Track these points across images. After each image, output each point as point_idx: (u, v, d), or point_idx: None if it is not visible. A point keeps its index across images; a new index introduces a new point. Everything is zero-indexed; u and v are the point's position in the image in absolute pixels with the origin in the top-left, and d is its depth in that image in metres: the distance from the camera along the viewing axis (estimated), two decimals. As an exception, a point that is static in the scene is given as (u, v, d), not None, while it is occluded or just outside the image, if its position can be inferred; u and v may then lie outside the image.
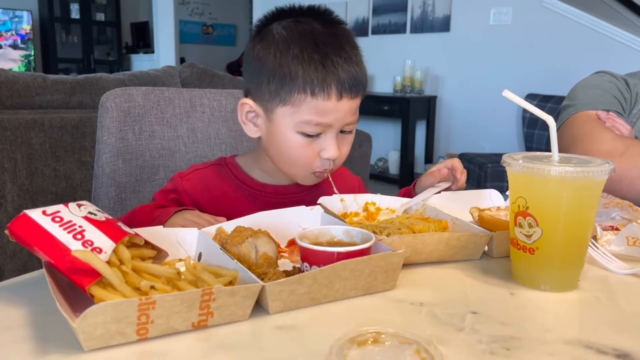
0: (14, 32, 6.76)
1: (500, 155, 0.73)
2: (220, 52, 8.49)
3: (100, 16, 7.50)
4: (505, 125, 4.44)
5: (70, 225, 0.58)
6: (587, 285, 0.70)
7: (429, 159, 4.98)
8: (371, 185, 4.62)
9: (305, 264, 0.64)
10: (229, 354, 0.51)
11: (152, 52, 7.32)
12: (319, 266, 0.60)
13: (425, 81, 4.97)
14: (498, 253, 0.78)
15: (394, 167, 5.06)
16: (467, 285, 0.69)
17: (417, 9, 4.97)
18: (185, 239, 0.73)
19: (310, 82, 0.86)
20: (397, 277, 0.66)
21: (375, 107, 4.95)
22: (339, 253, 0.62)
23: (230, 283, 0.59)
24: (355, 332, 0.48)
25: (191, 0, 8.34)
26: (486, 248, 0.79)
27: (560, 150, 0.70)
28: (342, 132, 0.92)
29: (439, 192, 0.97)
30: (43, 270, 0.59)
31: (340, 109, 0.88)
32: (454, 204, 0.94)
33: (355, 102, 0.90)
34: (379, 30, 5.28)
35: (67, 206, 0.61)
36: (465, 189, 1.03)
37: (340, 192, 0.93)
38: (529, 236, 0.67)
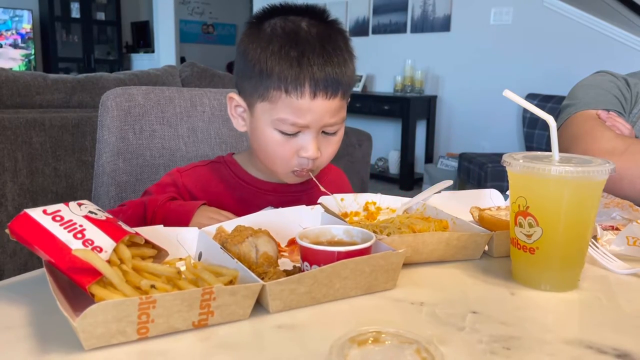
0: (14, 32, 6.76)
1: (500, 155, 0.73)
2: (220, 51, 8.49)
3: (101, 15, 7.50)
4: (506, 125, 4.44)
5: (71, 225, 0.58)
6: (587, 285, 0.70)
7: (429, 159, 4.98)
8: (371, 184, 4.63)
9: (306, 263, 0.64)
10: (229, 353, 0.51)
11: (153, 51, 7.32)
12: (319, 266, 0.60)
13: (425, 81, 4.97)
14: (498, 253, 0.78)
15: (394, 167, 5.06)
16: (468, 285, 0.69)
17: (418, 9, 4.97)
18: (186, 238, 0.73)
19: (284, 79, 0.86)
20: (398, 277, 0.66)
21: (375, 106, 4.95)
22: (339, 252, 0.62)
23: (231, 282, 0.59)
24: (356, 331, 0.48)
25: (191, 0, 8.33)
26: (486, 248, 0.79)
27: (560, 150, 0.70)
28: (325, 133, 0.91)
29: (439, 191, 0.96)
30: (43, 270, 0.59)
31: (315, 108, 0.87)
32: (454, 204, 0.94)
33: (334, 103, 0.88)
34: (380, 29, 5.28)
35: (67, 205, 0.61)
36: (466, 188, 1.03)
37: (332, 192, 0.92)
38: (529, 236, 0.67)
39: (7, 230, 0.58)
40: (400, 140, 4.85)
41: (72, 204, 0.62)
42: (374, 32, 5.32)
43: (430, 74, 4.97)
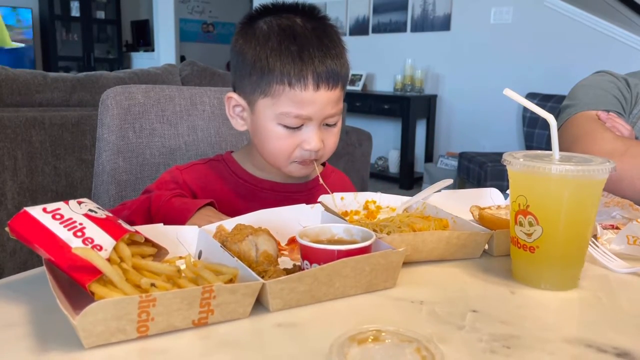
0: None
1: (500, 154, 0.73)
2: (220, 50, 8.48)
3: (101, 14, 7.50)
4: (506, 124, 4.44)
5: (71, 223, 0.58)
6: (587, 284, 0.70)
7: (429, 158, 4.98)
8: (371, 183, 4.63)
9: (306, 262, 0.64)
10: (230, 351, 0.51)
11: (153, 50, 7.32)
12: (320, 264, 0.60)
13: (425, 80, 4.97)
14: (498, 252, 0.78)
15: (394, 166, 5.06)
16: (468, 283, 0.69)
17: (418, 8, 4.97)
18: (186, 237, 0.73)
19: (287, 74, 0.88)
20: (398, 276, 0.66)
21: (375, 106, 4.95)
22: (339, 251, 0.62)
23: (231, 281, 0.59)
24: (356, 330, 0.48)
25: (191, -1, 8.34)
26: (486, 247, 0.79)
27: (560, 151, 0.70)
28: (326, 124, 0.93)
29: (439, 190, 0.96)
30: (43, 268, 0.59)
31: (318, 100, 0.89)
32: (454, 203, 0.94)
33: (335, 94, 0.91)
34: (380, 29, 5.28)
35: (67, 203, 0.61)
36: (465, 187, 1.03)
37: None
38: (529, 235, 0.67)
39: (7, 229, 0.58)
40: (400, 140, 4.85)
41: (72, 202, 0.62)
42: (374, 31, 5.32)
43: (430, 73, 4.97)
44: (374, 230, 0.76)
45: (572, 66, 3.92)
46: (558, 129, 0.71)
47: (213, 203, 0.89)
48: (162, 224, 0.73)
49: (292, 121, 0.90)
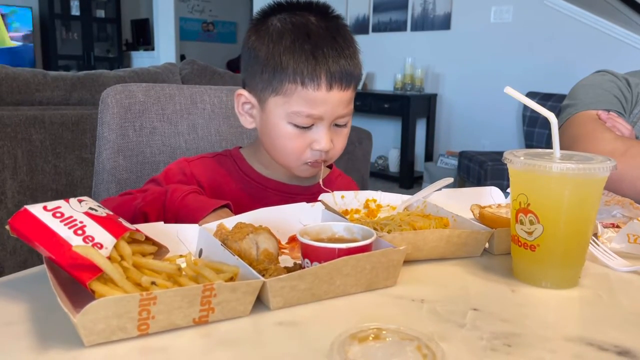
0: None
1: (500, 153, 0.73)
2: (220, 49, 8.48)
3: (101, 13, 7.49)
4: (506, 124, 4.44)
5: (71, 221, 0.58)
6: (588, 283, 0.70)
7: (429, 157, 4.98)
8: (371, 183, 4.63)
9: (306, 260, 0.64)
10: (230, 350, 0.51)
11: (153, 49, 7.31)
12: (320, 262, 0.60)
13: (425, 79, 4.97)
14: (499, 250, 0.78)
15: (394, 165, 5.06)
16: (468, 282, 0.69)
17: (418, 7, 4.97)
18: (186, 235, 0.73)
19: (301, 73, 0.87)
20: (398, 274, 0.66)
21: (375, 104, 4.95)
22: (340, 249, 0.62)
23: (231, 279, 0.59)
24: (357, 328, 0.48)
25: (191, -2, 8.33)
26: (487, 245, 0.79)
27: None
28: (336, 125, 0.93)
29: (440, 189, 0.96)
30: (43, 266, 0.59)
31: (331, 100, 0.88)
32: (455, 201, 0.94)
33: (347, 94, 0.91)
34: (380, 27, 5.27)
35: (68, 202, 0.61)
36: (465, 187, 1.03)
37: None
38: (530, 233, 0.67)
39: (7, 227, 0.58)
40: (400, 139, 4.85)
41: (73, 200, 0.62)
42: (374, 30, 5.32)
43: (430, 72, 4.97)
44: (375, 229, 0.76)
45: (572, 65, 3.92)
46: (558, 128, 0.71)
47: (229, 205, 0.87)
48: (162, 222, 0.73)
49: (303, 120, 0.89)
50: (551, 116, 0.70)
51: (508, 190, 0.77)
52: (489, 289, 0.67)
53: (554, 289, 0.67)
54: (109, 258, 0.56)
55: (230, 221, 0.75)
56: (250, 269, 0.59)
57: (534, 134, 4.08)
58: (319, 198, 0.88)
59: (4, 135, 1.96)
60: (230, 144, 1.28)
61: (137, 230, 0.63)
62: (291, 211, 0.82)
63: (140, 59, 7.60)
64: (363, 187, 2.43)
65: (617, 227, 0.85)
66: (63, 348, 0.49)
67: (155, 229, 0.70)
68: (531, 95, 4.00)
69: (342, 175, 1.11)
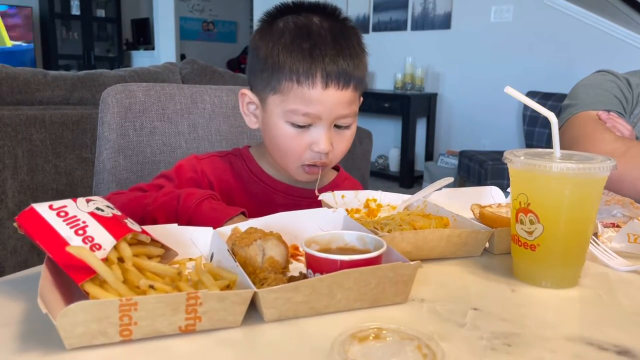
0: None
1: (500, 153, 0.73)
2: (220, 49, 8.48)
3: (101, 12, 7.49)
4: (506, 123, 4.44)
5: (74, 221, 0.58)
6: (588, 282, 0.70)
7: (430, 157, 4.98)
8: (372, 182, 4.63)
9: (309, 270, 0.61)
10: (228, 348, 0.51)
11: (153, 48, 7.31)
12: (322, 274, 0.57)
13: (425, 78, 4.97)
14: (499, 250, 0.78)
15: (394, 165, 5.06)
16: (468, 281, 0.69)
17: (418, 6, 4.97)
18: (200, 238, 0.71)
19: (296, 71, 0.87)
20: (410, 290, 0.61)
21: (375, 104, 4.95)
22: (342, 261, 0.58)
23: (228, 287, 0.58)
24: (357, 327, 0.48)
25: (192, -3, 8.33)
26: (487, 245, 0.79)
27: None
28: (338, 126, 0.92)
29: (440, 188, 0.96)
30: (43, 266, 0.59)
31: (327, 99, 0.87)
32: (455, 201, 0.94)
33: (346, 95, 0.89)
34: (380, 27, 5.27)
35: (75, 201, 0.60)
36: (466, 186, 1.03)
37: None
38: (530, 233, 0.67)
39: (15, 224, 0.58)
40: (400, 138, 4.85)
41: (81, 199, 0.61)
42: (374, 30, 5.32)
43: (430, 71, 4.96)
44: (375, 229, 0.76)
45: (573, 65, 3.92)
46: (559, 128, 0.71)
47: (245, 212, 0.85)
48: (175, 225, 0.72)
49: (300, 119, 0.89)
50: (551, 116, 0.70)
51: (508, 189, 0.77)
52: (489, 288, 0.67)
53: (554, 289, 0.67)
54: (106, 259, 0.56)
55: (245, 225, 0.73)
56: (246, 277, 0.57)
57: (534, 133, 4.08)
58: (319, 197, 0.88)
59: (4, 135, 1.96)
60: (231, 144, 1.28)
61: (143, 231, 0.62)
62: (311, 216, 0.78)
63: (141, 59, 7.60)
64: (363, 187, 2.42)
65: (617, 226, 0.85)
66: (63, 348, 0.49)
67: (169, 231, 0.69)
68: (531, 94, 3.99)
69: (349, 178, 1.10)
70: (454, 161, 4.49)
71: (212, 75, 2.61)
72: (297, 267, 0.70)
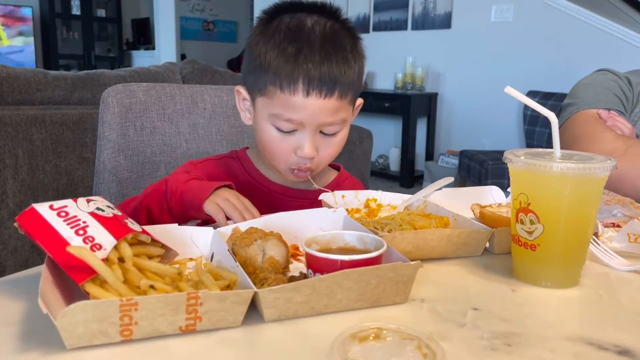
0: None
1: (501, 153, 0.73)
2: (221, 48, 8.48)
3: (101, 12, 7.49)
4: (506, 123, 4.44)
5: (75, 221, 0.58)
6: (588, 282, 0.70)
7: (430, 156, 4.98)
8: (372, 182, 4.63)
9: (310, 270, 0.61)
10: (229, 348, 0.51)
11: (153, 48, 7.31)
12: (322, 274, 0.57)
13: (426, 78, 4.96)
14: (499, 249, 0.78)
15: (394, 164, 5.06)
16: (469, 281, 0.69)
17: (419, 6, 4.97)
18: (200, 238, 0.71)
19: (279, 75, 0.85)
20: (410, 290, 0.61)
21: (376, 104, 4.95)
22: (342, 261, 0.58)
23: (229, 287, 0.58)
24: (357, 327, 0.48)
25: (192, -3, 8.33)
26: (487, 245, 0.79)
27: (561, 149, 0.70)
28: (324, 133, 0.90)
29: (440, 188, 0.96)
30: (44, 266, 0.59)
31: (309, 106, 0.85)
32: (455, 201, 0.94)
33: (329, 103, 0.86)
34: (380, 27, 5.27)
35: (75, 201, 0.60)
36: (466, 186, 1.03)
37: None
38: (530, 233, 0.67)
39: (15, 224, 0.58)
40: (400, 138, 4.85)
41: (81, 199, 0.61)
42: (374, 29, 5.31)
43: (431, 71, 4.96)
44: (375, 228, 0.76)
45: (573, 64, 3.91)
46: (559, 128, 0.71)
47: (231, 185, 0.86)
48: (176, 225, 0.72)
49: (284, 125, 0.88)
50: (551, 115, 0.70)
51: (508, 189, 0.77)
52: (489, 288, 0.67)
53: (554, 289, 0.67)
54: (107, 259, 0.56)
55: (246, 225, 0.73)
56: (246, 277, 0.57)
57: (535, 133, 4.08)
58: (320, 197, 0.88)
59: (5, 134, 1.96)
60: (231, 144, 1.28)
61: (143, 231, 0.62)
62: (311, 216, 0.78)
63: (141, 58, 7.60)
64: (364, 187, 2.42)
65: (618, 226, 0.85)
66: (63, 348, 0.49)
67: (169, 231, 0.69)
68: (532, 94, 3.99)
69: (349, 178, 1.09)
70: (455, 161, 4.49)
71: (213, 75, 2.61)
72: (297, 267, 0.70)
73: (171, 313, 0.51)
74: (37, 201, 0.60)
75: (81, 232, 0.57)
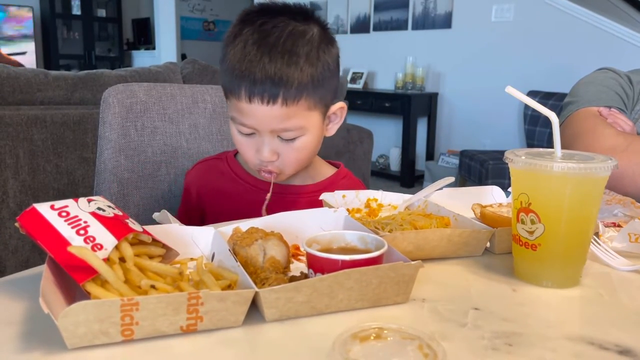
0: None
1: (501, 152, 0.73)
2: (221, 48, 8.47)
3: (102, 12, 7.50)
4: (507, 122, 4.44)
5: (76, 221, 0.58)
6: (589, 282, 0.70)
7: (430, 156, 4.98)
8: (372, 182, 4.63)
9: (311, 270, 0.61)
10: (229, 348, 0.51)
11: (154, 48, 7.32)
12: (323, 274, 0.57)
13: (426, 78, 4.96)
14: (500, 249, 0.78)
15: (395, 164, 5.06)
16: (470, 281, 0.69)
17: (419, 6, 4.96)
18: (201, 238, 0.71)
19: (229, 80, 0.86)
20: (411, 290, 0.61)
21: (376, 103, 4.95)
22: (343, 261, 0.58)
23: (230, 286, 0.58)
24: (358, 327, 0.48)
25: (192, -3, 8.34)
26: (488, 244, 0.79)
27: (562, 147, 0.70)
28: (282, 138, 0.89)
29: (441, 188, 0.96)
30: (45, 266, 0.59)
31: (255, 113, 0.85)
32: (456, 201, 0.94)
33: (274, 110, 0.84)
34: (381, 26, 5.27)
35: (76, 201, 0.60)
36: (467, 186, 1.03)
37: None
38: (531, 232, 0.67)
39: (16, 224, 0.59)
40: (401, 138, 4.85)
41: (82, 199, 0.61)
42: (375, 29, 5.31)
43: (431, 71, 4.96)
44: (376, 228, 0.76)
45: (574, 64, 3.91)
46: (560, 126, 0.71)
47: None
48: (177, 224, 0.72)
49: (241, 128, 0.89)
50: (552, 115, 0.70)
51: (509, 189, 0.77)
52: (490, 288, 0.67)
53: (555, 288, 0.67)
54: (108, 259, 0.56)
55: (247, 225, 0.72)
56: (247, 277, 0.57)
57: (535, 132, 4.08)
58: (320, 197, 0.88)
59: (5, 135, 1.96)
60: (232, 143, 1.28)
61: (144, 231, 0.62)
62: (312, 216, 0.78)
63: (142, 58, 7.60)
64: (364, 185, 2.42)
65: (619, 226, 0.85)
66: (64, 348, 0.49)
67: (170, 231, 0.69)
68: (532, 94, 3.99)
69: (348, 176, 1.09)
70: (455, 161, 4.49)
71: (213, 75, 2.61)
72: (298, 267, 0.70)
73: (172, 313, 0.51)
74: (38, 201, 0.60)
75: (82, 232, 0.57)
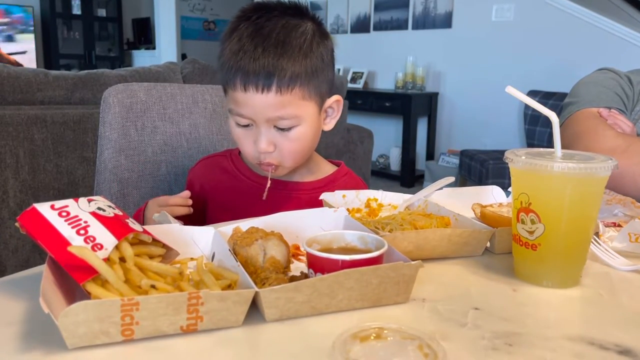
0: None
1: (502, 152, 0.73)
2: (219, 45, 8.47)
3: (102, 12, 7.50)
4: (507, 122, 4.44)
5: (76, 221, 0.58)
6: (589, 282, 0.70)
7: (431, 156, 4.98)
8: (372, 181, 4.63)
9: (311, 270, 0.61)
10: (229, 348, 0.51)
11: (154, 48, 7.31)
12: (324, 274, 0.57)
13: (426, 77, 4.96)
14: (500, 249, 0.78)
15: (395, 164, 5.06)
16: (470, 281, 0.69)
17: (419, 5, 4.96)
18: (201, 238, 0.71)
19: (225, 71, 0.89)
20: (411, 290, 0.61)
21: (376, 103, 4.95)
22: (343, 261, 0.58)
23: (230, 286, 0.58)
24: (358, 327, 0.48)
25: (193, -4, 8.33)
26: (488, 244, 0.79)
27: (562, 148, 0.70)
28: (278, 128, 0.90)
29: (441, 188, 0.96)
30: (45, 266, 0.59)
31: (250, 102, 0.87)
32: (456, 201, 0.94)
33: (269, 97, 0.86)
34: (381, 26, 5.27)
35: (76, 201, 0.60)
36: (467, 185, 1.03)
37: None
38: (531, 232, 0.67)
39: (16, 224, 0.59)
40: (401, 137, 4.85)
41: (82, 199, 0.61)
42: (375, 29, 5.31)
43: (431, 70, 4.96)
44: (376, 228, 0.76)
45: (574, 64, 3.91)
46: (560, 126, 0.71)
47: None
48: (177, 224, 0.72)
49: (239, 119, 0.91)
50: (552, 115, 0.70)
51: (509, 189, 0.77)
52: (490, 288, 0.67)
53: (555, 288, 0.67)
54: (108, 259, 0.56)
55: (247, 225, 0.73)
56: (247, 277, 0.57)
57: (536, 132, 4.08)
58: (320, 197, 0.88)
59: (6, 134, 1.96)
60: (232, 143, 1.28)
61: (144, 231, 0.62)
62: (312, 216, 0.78)
63: (142, 58, 7.60)
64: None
65: (619, 226, 0.85)
66: (65, 348, 0.49)
67: (170, 231, 0.69)
68: (532, 94, 3.99)
69: (349, 174, 1.09)
70: (455, 160, 4.49)
71: (213, 74, 2.61)
72: (298, 266, 0.70)
73: (172, 313, 0.51)
74: (38, 201, 0.60)
75: (82, 231, 0.57)
